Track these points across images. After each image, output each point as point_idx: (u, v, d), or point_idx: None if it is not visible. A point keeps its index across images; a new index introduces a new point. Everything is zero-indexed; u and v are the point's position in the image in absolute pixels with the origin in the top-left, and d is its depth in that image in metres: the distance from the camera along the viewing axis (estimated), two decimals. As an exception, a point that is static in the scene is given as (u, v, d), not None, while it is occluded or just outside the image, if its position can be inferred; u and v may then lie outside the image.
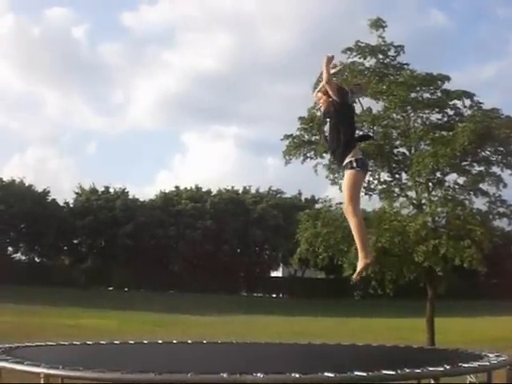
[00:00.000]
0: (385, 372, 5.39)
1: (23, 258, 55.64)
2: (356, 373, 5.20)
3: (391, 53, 14.89)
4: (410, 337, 17.12)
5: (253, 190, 59.08)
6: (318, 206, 14.48)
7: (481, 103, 14.36)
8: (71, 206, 54.95)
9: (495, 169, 13.79)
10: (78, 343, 9.53)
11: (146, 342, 10.53)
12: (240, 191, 58.49)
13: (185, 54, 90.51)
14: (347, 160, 5.74)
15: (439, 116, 14.25)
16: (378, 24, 14.97)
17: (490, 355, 7.37)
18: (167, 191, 57.25)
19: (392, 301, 34.92)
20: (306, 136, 13.20)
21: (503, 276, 54.17)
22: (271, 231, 54.37)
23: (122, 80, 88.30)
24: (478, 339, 21.25)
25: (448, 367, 5.78)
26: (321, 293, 51.49)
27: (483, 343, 16.94)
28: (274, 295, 56.18)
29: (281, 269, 61.93)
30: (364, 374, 5.19)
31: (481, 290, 53.39)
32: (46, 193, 54.09)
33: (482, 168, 13.80)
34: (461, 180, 13.22)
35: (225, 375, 4.88)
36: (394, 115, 13.69)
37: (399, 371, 5.44)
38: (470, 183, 12.78)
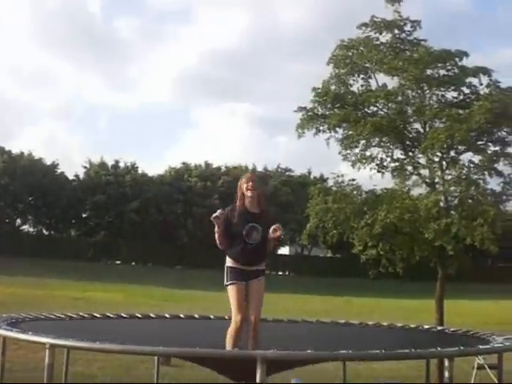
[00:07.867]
0: (399, 351, 5.26)
1: (31, 230, 55.87)
2: (370, 351, 5.06)
3: (407, 28, 14.56)
4: (417, 318, 17.01)
5: (260, 168, 58.79)
6: (327, 184, 14.21)
7: (498, 82, 14.02)
8: (80, 179, 54.83)
9: (511, 149, 13.52)
10: (85, 315, 9.42)
11: (153, 315, 10.42)
12: (250, 169, 58.13)
13: (201, 30, 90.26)
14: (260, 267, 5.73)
15: (455, 94, 13.96)
16: (394, -2, 14.61)
17: (501, 338, 7.24)
18: (177, 167, 56.95)
19: (399, 282, 34.89)
20: (320, 109, 12.92)
21: (510, 260, 54.09)
22: (282, 208, 54.12)
23: (136, 55, 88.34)
24: (485, 322, 21.16)
25: (462, 348, 5.62)
26: (327, 271, 51.41)
27: (490, 326, 16.85)
28: (281, 273, 56.12)
29: (287, 247, 61.88)
30: (377, 351, 5.05)
31: (488, 273, 53.29)
32: (54, 165, 54.04)
33: (497, 148, 13.51)
34: (476, 159, 12.94)
35: (235, 350, 4.75)
36: (409, 92, 13.41)
37: (413, 350, 5.30)
38: (485, 162, 12.50)
